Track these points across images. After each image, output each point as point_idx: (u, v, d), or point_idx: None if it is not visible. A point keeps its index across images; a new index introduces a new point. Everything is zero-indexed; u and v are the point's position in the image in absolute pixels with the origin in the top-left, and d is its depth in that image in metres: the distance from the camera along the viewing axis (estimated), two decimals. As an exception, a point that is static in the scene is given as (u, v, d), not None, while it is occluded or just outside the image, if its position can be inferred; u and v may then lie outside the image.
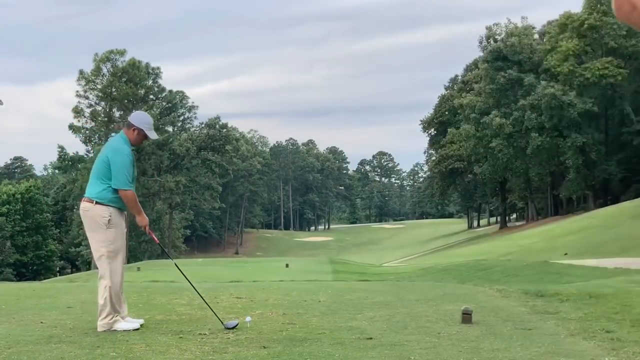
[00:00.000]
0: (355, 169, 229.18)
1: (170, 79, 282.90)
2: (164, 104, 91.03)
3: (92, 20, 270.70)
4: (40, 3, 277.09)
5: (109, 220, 6.84)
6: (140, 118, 7.21)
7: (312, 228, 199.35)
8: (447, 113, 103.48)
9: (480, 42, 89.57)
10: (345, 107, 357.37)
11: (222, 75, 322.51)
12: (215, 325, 6.90)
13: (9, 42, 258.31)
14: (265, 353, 5.55)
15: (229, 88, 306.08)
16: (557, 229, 54.40)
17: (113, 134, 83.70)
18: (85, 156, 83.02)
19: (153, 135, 7.22)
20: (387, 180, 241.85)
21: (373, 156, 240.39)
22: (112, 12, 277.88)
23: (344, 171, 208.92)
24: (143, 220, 7.11)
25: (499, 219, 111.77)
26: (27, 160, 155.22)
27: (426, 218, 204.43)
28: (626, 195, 75.26)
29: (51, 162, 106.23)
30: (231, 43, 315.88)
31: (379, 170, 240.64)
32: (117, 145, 6.98)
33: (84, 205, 6.98)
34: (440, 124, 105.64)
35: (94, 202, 6.86)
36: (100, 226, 6.84)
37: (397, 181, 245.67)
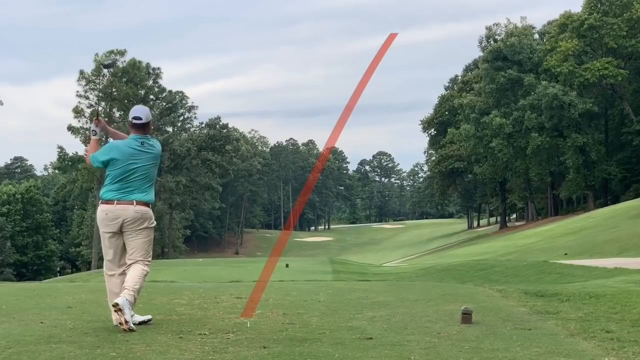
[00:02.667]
0: (355, 169, 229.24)
1: (166, 78, 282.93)
2: (164, 104, 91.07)
3: (86, 19, 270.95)
4: (32, 1, 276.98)
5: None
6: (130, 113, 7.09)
7: (312, 228, 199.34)
8: (447, 113, 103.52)
9: (480, 42, 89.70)
10: (344, 107, 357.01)
11: (219, 75, 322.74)
12: (215, 325, 6.90)
13: (1, 42, 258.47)
14: (265, 353, 5.55)
15: (225, 88, 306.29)
16: (557, 229, 54.35)
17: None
18: (85, 156, 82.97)
19: (134, 112, 7.02)
20: (387, 180, 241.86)
21: (373, 156, 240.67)
22: (106, 11, 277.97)
23: (344, 171, 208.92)
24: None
25: (499, 219, 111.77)
26: (27, 160, 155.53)
27: (426, 218, 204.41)
28: (626, 195, 75.33)
29: (51, 162, 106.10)
30: (227, 42, 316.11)
31: (378, 171, 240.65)
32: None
33: (140, 208, 6.79)
34: (440, 124, 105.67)
35: (150, 206, 6.97)
36: (152, 229, 7.01)
37: (397, 181, 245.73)
